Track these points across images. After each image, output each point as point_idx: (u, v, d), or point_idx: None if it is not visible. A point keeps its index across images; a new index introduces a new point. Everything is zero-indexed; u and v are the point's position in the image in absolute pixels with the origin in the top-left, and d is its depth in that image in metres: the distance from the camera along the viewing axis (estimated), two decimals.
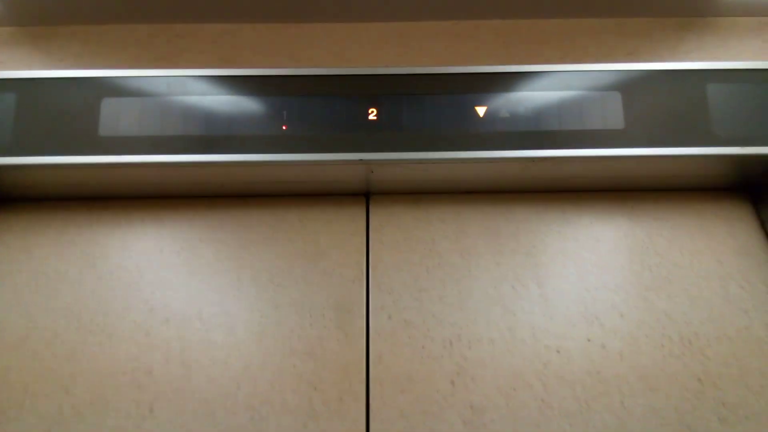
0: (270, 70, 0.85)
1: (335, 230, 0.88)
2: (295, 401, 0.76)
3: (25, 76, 0.85)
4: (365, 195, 0.91)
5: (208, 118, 0.83)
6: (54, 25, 0.94)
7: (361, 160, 0.81)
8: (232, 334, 0.80)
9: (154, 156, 0.81)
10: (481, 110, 0.83)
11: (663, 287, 0.83)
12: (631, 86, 0.83)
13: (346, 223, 0.89)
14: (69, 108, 0.83)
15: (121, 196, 0.91)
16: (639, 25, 0.93)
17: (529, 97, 0.83)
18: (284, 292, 0.83)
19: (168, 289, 0.84)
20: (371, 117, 0.84)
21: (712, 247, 0.86)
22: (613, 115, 0.83)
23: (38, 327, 0.81)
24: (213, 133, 0.82)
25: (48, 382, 0.78)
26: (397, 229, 0.88)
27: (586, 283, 0.84)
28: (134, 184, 0.88)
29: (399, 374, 0.78)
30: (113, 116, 0.83)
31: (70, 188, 0.88)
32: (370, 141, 0.82)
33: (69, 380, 0.78)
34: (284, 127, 0.83)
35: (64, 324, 0.81)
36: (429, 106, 0.84)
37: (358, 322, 0.81)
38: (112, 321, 0.82)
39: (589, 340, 0.80)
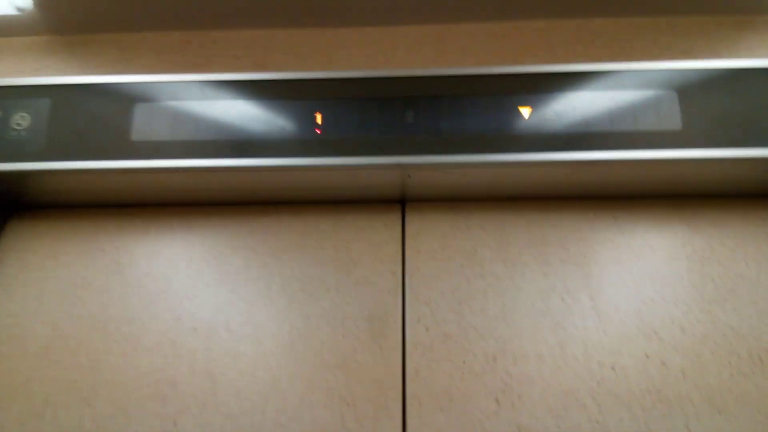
0: (304, 73, 0.83)
1: (369, 238, 0.84)
2: (326, 418, 0.71)
3: (58, 83, 0.84)
4: (401, 202, 0.87)
5: (242, 122, 0.80)
6: (91, 33, 0.94)
7: (397, 164, 0.77)
8: (260, 346, 0.76)
9: (187, 160, 0.79)
10: (525, 111, 0.79)
11: (728, 299, 0.76)
12: (688, 85, 0.78)
13: (380, 230, 0.84)
14: (102, 113, 0.82)
15: (151, 204, 0.88)
16: (693, 24, 0.88)
17: (577, 98, 0.78)
18: (316, 303, 0.79)
19: (195, 298, 0.80)
20: (409, 120, 0.80)
21: None
22: (670, 116, 0.77)
23: (62, 336, 0.78)
24: (246, 138, 0.80)
25: (70, 394, 0.74)
26: (435, 238, 0.83)
27: (642, 296, 0.77)
28: (165, 191, 0.86)
29: (438, 391, 0.72)
30: (146, 121, 0.81)
31: (100, 194, 0.87)
32: (407, 144, 0.78)
33: (91, 392, 0.74)
34: (318, 131, 0.80)
35: (89, 333, 0.78)
36: (469, 107, 0.80)
37: (394, 335, 0.76)
38: (138, 330, 0.78)
39: (647, 357, 0.73)
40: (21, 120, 0.82)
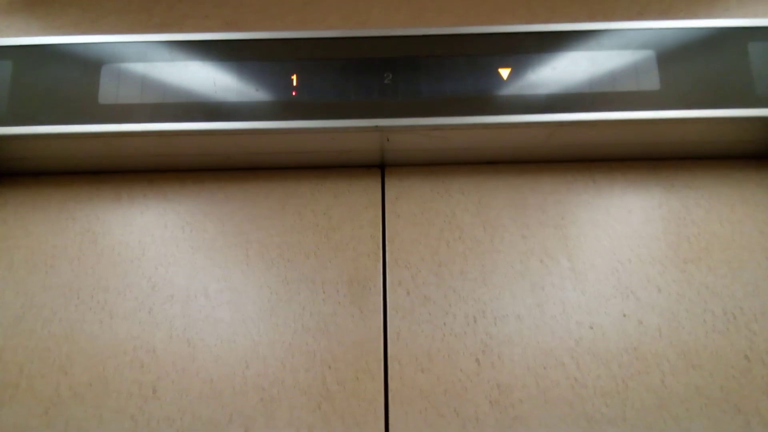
0: (279, 33, 0.80)
1: (348, 203, 0.83)
2: (307, 381, 0.71)
3: (21, 43, 0.80)
4: (380, 167, 0.86)
5: (215, 84, 0.78)
6: None
7: (376, 126, 0.76)
8: (239, 311, 0.75)
9: (158, 124, 0.77)
10: (504, 72, 0.78)
11: (702, 259, 0.77)
12: (666, 45, 0.77)
13: (359, 195, 0.83)
14: (67, 76, 0.78)
15: (123, 170, 0.86)
16: None
17: (556, 58, 0.78)
18: (295, 267, 0.78)
19: (172, 265, 0.79)
20: (387, 81, 0.78)
21: (754, 217, 0.80)
22: (648, 76, 0.77)
23: (35, 305, 0.77)
24: (219, 100, 0.77)
25: (45, 362, 0.73)
26: (414, 202, 0.83)
27: (619, 256, 0.78)
28: (136, 156, 0.83)
29: (419, 352, 0.72)
30: (114, 84, 0.78)
31: (69, 161, 0.84)
32: (386, 106, 0.77)
33: (67, 360, 0.73)
34: (294, 93, 0.78)
35: (63, 302, 0.77)
36: (449, 69, 0.78)
37: (375, 298, 0.76)
38: (113, 298, 0.77)
39: (624, 315, 0.74)
40: None
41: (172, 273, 0.78)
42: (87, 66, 0.79)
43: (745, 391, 0.69)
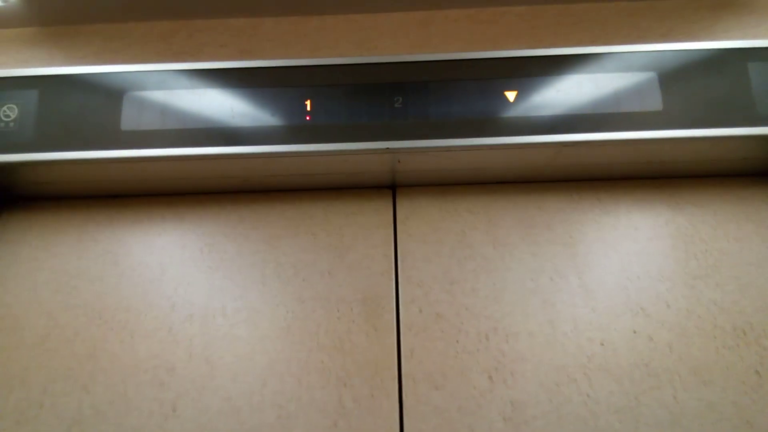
0: (293, 60, 0.83)
1: (361, 223, 0.85)
2: (323, 398, 0.72)
3: (46, 73, 0.83)
4: (391, 188, 0.88)
5: (231, 110, 0.81)
6: (75, 24, 0.94)
7: (387, 148, 0.78)
8: (256, 330, 0.77)
9: (177, 149, 0.79)
10: (511, 95, 0.80)
11: (711, 275, 0.78)
12: (668, 67, 0.80)
13: (371, 215, 0.85)
14: (91, 103, 0.82)
15: (143, 194, 0.89)
16: (672, 7, 0.90)
17: (561, 81, 0.80)
18: (310, 287, 0.80)
19: (190, 286, 0.81)
20: (397, 105, 0.81)
21: (760, 233, 0.81)
22: (651, 97, 0.79)
23: (58, 325, 0.79)
24: (237, 126, 0.80)
25: (68, 382, 0.75)
26: (425, 221, 0.85)
27: (628, 273, 0.79)
28: (156, 180, 0.86)
29: (432, 369, 0.74)
30: (136, 111, 0.82)
31: (91, 185, 0.87)
32: (397, 129, 0.80)
33: (89, 379, 0.75)
34: (308, 118, 0.81)
35: (85, 322, 0.79)
36: (457, 92, 0.81)
37: (388, 316, 0.78)
38: (134, 318, 0.79)
39: (634, 332, 0.75)
40: (9, 111, 0.81)
41: (191, 293, 0.80)
42: (110, 94, 0.82)
43: (756, 406, 0.70)
